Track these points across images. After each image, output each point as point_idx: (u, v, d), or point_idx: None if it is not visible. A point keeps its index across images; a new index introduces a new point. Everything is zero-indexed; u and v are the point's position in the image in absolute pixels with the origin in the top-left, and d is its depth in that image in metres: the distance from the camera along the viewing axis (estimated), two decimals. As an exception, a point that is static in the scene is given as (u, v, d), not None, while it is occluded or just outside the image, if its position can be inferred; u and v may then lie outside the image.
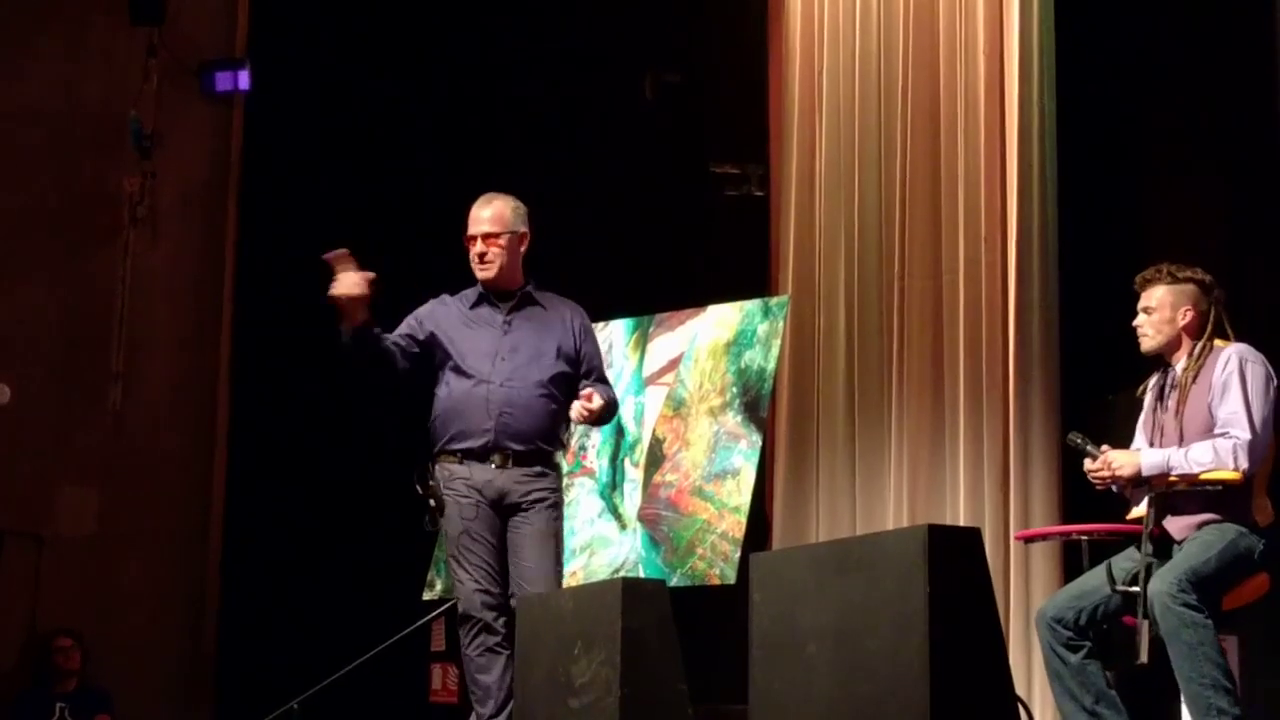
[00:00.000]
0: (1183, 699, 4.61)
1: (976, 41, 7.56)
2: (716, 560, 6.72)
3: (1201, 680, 4.54)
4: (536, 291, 5.69)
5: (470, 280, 5.73)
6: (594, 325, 7.20)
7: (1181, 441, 4.87)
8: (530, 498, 5.45)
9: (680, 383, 7.24)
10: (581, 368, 5.60)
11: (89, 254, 9.24)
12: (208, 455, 9.22)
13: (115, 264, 9.22)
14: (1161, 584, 4.63)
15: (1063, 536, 6.29)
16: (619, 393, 7.10)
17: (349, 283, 5.44)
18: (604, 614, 4.49)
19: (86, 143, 9.27)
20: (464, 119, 9.20)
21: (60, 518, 9.00)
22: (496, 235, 5.60)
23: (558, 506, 5.50)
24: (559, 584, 5.42)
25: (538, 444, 5.49)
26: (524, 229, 5.64)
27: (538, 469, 5.48)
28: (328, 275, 5.46)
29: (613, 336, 7.54)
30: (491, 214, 5.62)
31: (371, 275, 5.46)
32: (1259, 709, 5.83)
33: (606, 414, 5.54)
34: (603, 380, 5.63)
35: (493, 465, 5.47)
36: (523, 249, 5.64)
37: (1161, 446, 4.93)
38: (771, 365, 6.99)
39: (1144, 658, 4.66)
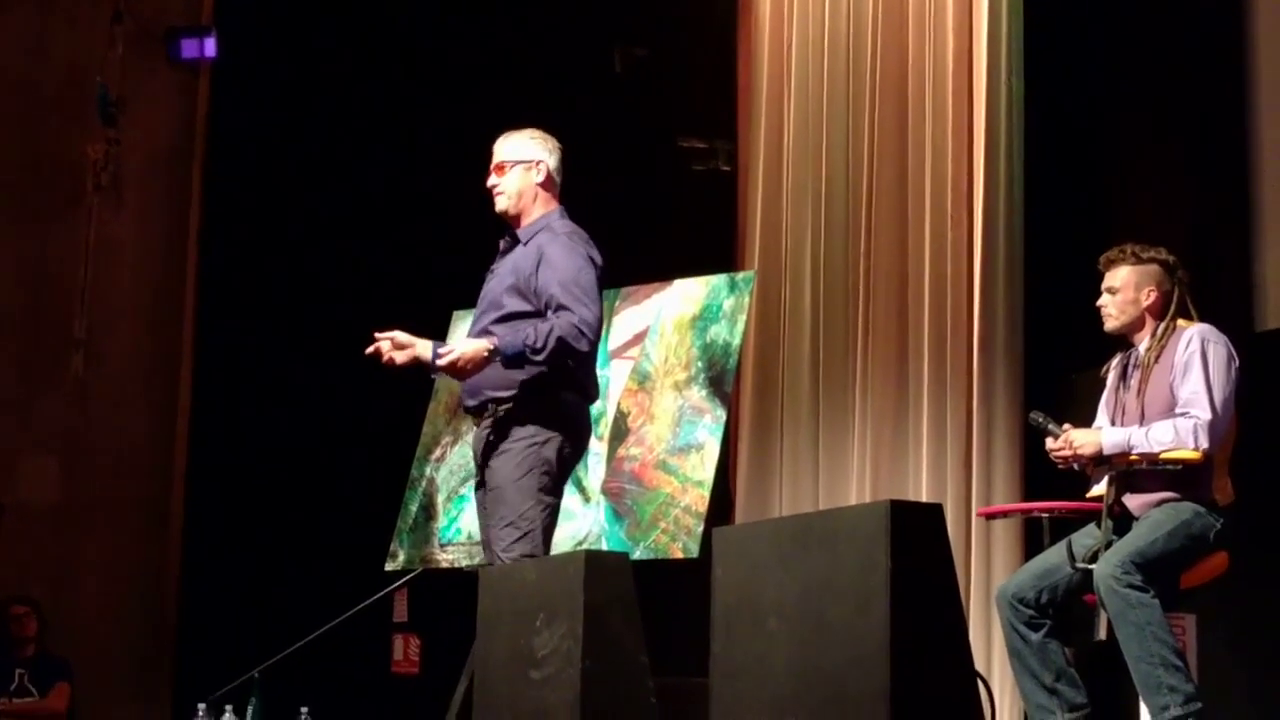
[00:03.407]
0: (1134, 679, 4.64)
1: (945, 19, 7.56)
2: (679, 534, 6.73)
3: (1150, 659, 4.57)
4: (530, 227, 5.31)
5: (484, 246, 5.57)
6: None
7: (1143, 421, 4.90)
8: (486, 453, 5.18)
9: (645, 356, 7.24)
10: (542, 301, 5.14)
11: (52, 221, 9.21)
12: (170, 423, 9.20)
13: (79, 231, 9.19)
14: (1106, 566, 4.66)
15: (1024, 514, 6.32)
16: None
17: (467, 351, 5.09)
18: (566, 586, 4.49)
19: (51, 109, 9.24)
20: (430, 89, 9.17)
21: (21, 485, 8.98)
22: (503, 165, 5.36)
23: (531, 445, 5.09)
24: (516, 537, 5.05)
25: (487, 393, 5.15)
26: (538, 157, 5.35)
27: (498, 420, 5.14)
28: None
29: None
30: (503, 144, 5.40)
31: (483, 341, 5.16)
32: (1216, 687, 5.86)
33: (519, 358, 5.02)
34: (562, 308, 5.04)
35: (476, 427, 5.29)
36: (538, 178, 5.33)
37: (1123, 426, 4.96)
38: (737, 340, 6.99)
39: (1102, 634, 4.70)
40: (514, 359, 5.05)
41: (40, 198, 9.18)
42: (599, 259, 5.25)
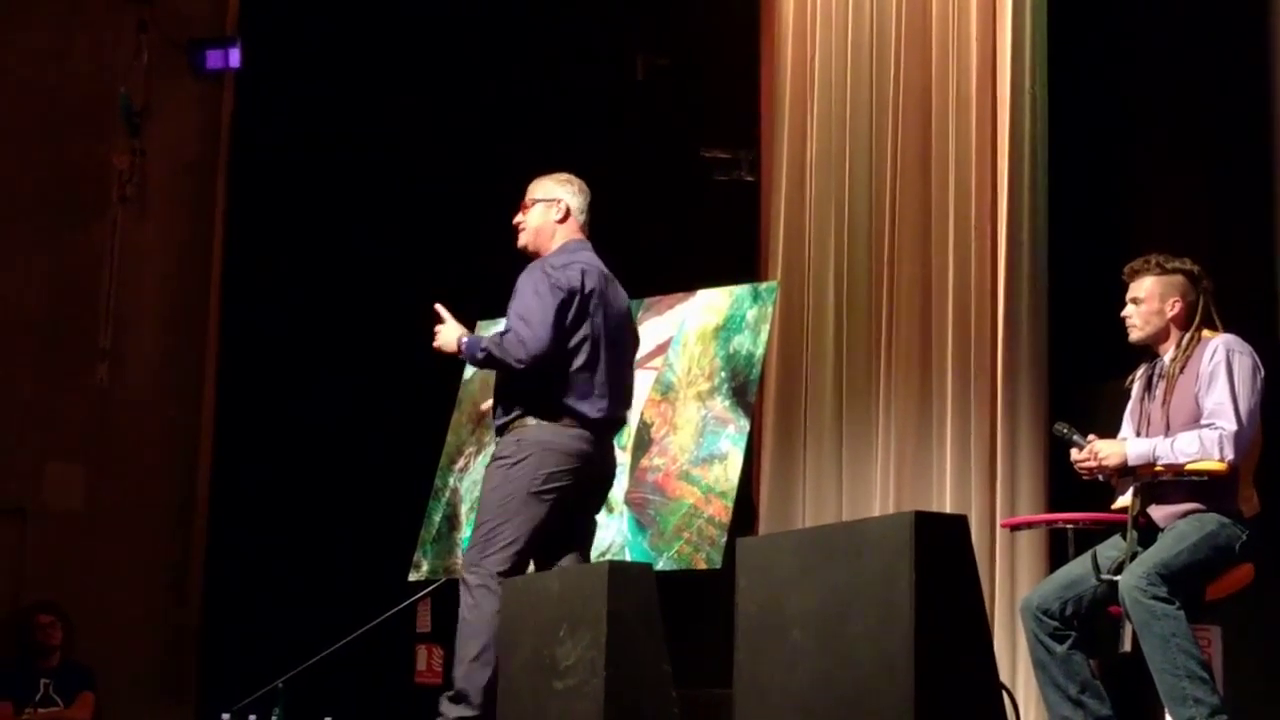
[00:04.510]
0: (1159, 691, 4.62)
1: (969, 28, 7.56)
2: (703, 545, 6.72)
3: (1175, 671, 4.56)
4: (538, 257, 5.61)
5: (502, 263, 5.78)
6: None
7: (1168, 432, 4.88)
8: None
9: (669, 367, 7.24)
10: None
11: (77, 230, 9.23)
12: (194, 432, 9.22)
13: (103, 240, 9.21)
14: (1131, 578, 4.65)
15: (1048, 525, 6.30)
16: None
17: (445, 339, 5.53)
18: (590, 597, 4.50)
19: (76, 119, 9.26)
20: (454, 100, 9.19)
21: (46, 493, 9.00)
22: (527, 205, 5.65)
23: (502, 464, 5.38)
24: (484, 540, 5.32)
25: (497, 414, 5.51)
26: (558, 196, 5.61)
27: (498, 438, 5.54)
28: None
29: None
30: (532, 186, 5.68)
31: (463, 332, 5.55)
32: (1241, 699, 5.84)
33: (471, 356, 5.43)
34: (508, 330, 5.35)
35: None
36: (556, 216, 5.59)
37: (1148, 436, 4.94)
38: (760, 350, 6.99)
39: (1127, 646, 4.68)
40: (470, 355, 5.46)
41: (65, 207, 9.21)
42: (569, 283, 5.40)
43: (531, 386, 5.36)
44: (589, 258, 5.55)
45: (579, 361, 5.39)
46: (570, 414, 5.39)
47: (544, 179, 5.67)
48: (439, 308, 5.55)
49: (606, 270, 5.60)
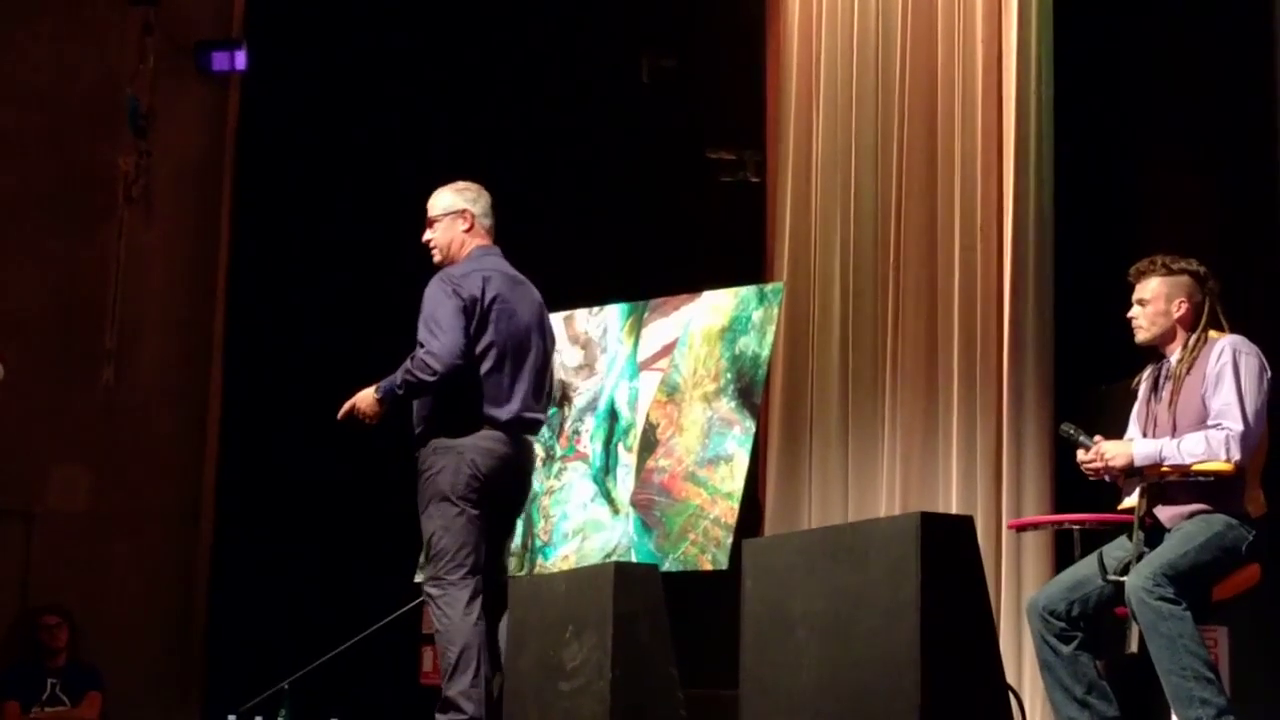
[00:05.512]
0: (1166, 692, 4.62)
1: (974, 30, 7.56)
2: (709, 546, 6.71)
3: (1182, 672, 4.56)
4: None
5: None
6: (588, 309, 7.26)
7: (1175, 432, 4.88)
8: None
9: (674, 368, 7.23)
10: None
11: (84, 233, 9.24)
12: (200, 434, 9.22)
13: (110, 243, 9.22)
14: (1137, 578, 4.65)
15: (1055, 525, 6.30)
16: (613, 378, 7.10)
17: (364, 401, 5.61)
18: (596, 598, 4.51)
19: (82, 122, 9.27)
20: (460, 101, 9.19)
21: (52, 495, 9.01)
22: (433, 221, 5.78)
23: (424, 476, 5.53)
24: (434, 555, 5.49)
25: (415, 427, 5.60)
26: (461, 206, 5.75)
27: (419, 453, 5.61)
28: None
29: (608, 321, 7.54)
30: (432, 201, 5.81)
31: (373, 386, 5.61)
32: (1249, 699, 5.84)
33: (391, 396, 5.51)
34: (419, 344, 5.48)
35: None
36: (463, 226, 5.74)
37: (1155, 437, 4.94)
38: (766, 352, 6.98)
39: (1133, 648, 4.67)
40: (393, 397, 5.51)
41: (71, 210, 9.22)
42: (470, 292, 5.52)
43: (443, 397, 5.48)
44: (493, 263, 5.68)
45: (485, 367, 5.52)
46: (482, 418, 5.51)
47: (442, 191, 5.81)
48: (340, 415, 5.64)
49: (514, 273, 5.74)
